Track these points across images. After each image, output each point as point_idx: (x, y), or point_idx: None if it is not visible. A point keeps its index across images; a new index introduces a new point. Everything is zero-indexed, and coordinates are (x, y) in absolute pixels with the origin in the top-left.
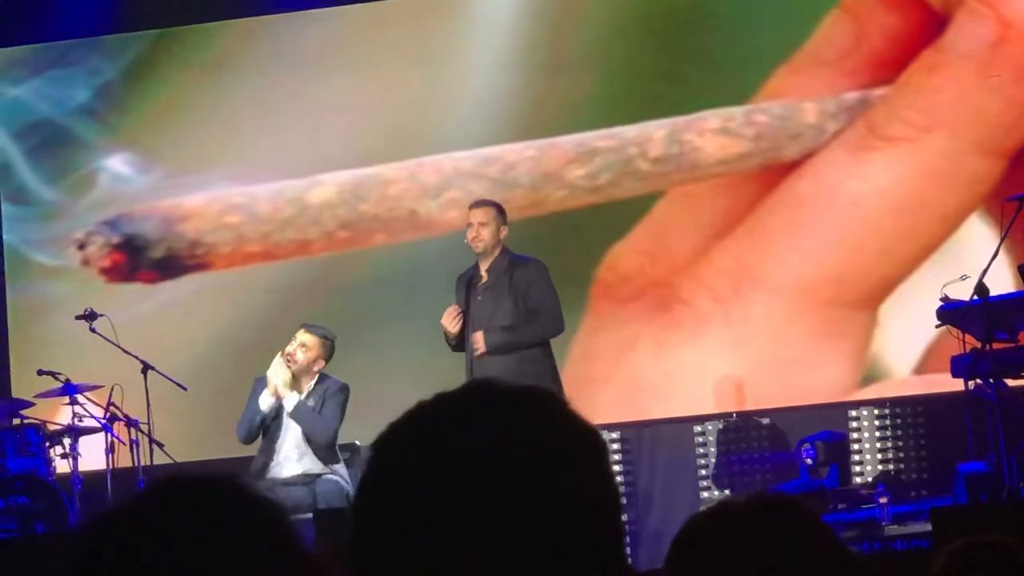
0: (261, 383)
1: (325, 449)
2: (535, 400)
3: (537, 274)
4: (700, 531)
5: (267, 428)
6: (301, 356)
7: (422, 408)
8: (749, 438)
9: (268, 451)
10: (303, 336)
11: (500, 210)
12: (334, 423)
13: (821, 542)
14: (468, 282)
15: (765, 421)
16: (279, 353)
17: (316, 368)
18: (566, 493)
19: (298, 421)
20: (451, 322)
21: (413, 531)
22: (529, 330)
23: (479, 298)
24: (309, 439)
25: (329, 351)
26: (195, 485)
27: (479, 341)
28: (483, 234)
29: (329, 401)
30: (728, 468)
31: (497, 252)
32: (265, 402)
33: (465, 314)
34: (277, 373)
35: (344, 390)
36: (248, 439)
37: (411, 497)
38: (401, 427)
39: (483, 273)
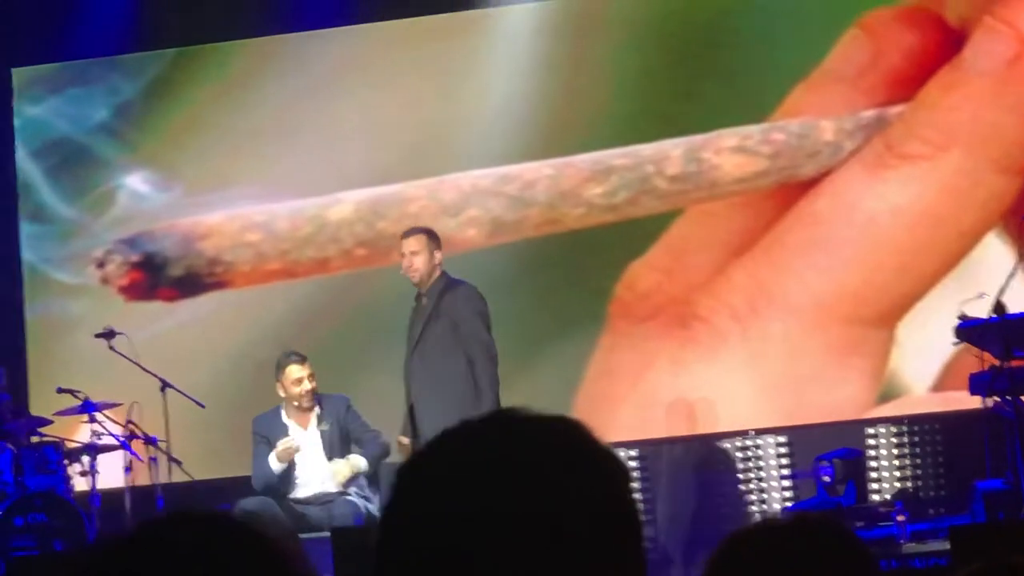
0: (262, 424)
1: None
2: (559, 428)
3: (464, 300)
4: (741, 548)
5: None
6: (313, 384)
7: (446, 436)
8: (767, 455)
9: (286, 477)
10: (304, 369)
11: (431, 236)
12: (378, 435)
13: (860, 563)
14: (412, 310)
15: (782, 438)
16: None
17: (313, 385)
18: (589, 520)
19: (377, 461)
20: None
21: (436, 557)
22: (483, 384)
23: (413, 324)
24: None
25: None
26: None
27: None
28: (415, 263)
29: (354, 423)
30: (745, 485)
31: (434, 277)
32: (276, 466)
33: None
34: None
35: (347, 402)
36: (267, 493)
37: (434, 524)
38: (425, 455)
39: (423, 299)
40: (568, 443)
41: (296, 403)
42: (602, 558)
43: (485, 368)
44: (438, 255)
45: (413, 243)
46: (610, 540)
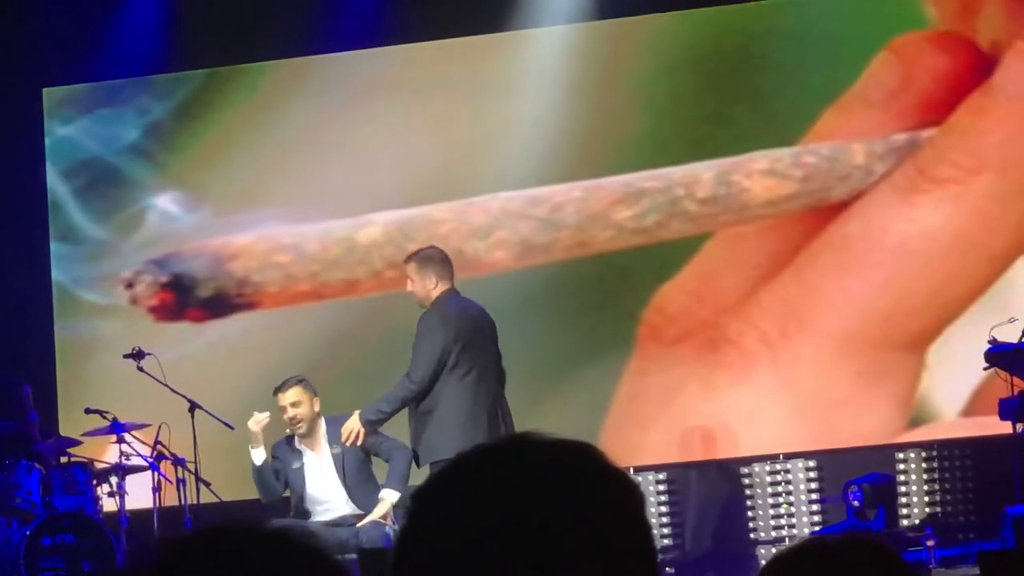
0: (278, 448)
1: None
2: (574, 452)
3: (419, 322)
4: (788, 567)
5: (294, 480)
6: (302, 411)
7: (462, 460)
8: (796, 480)
9: (309, 499)
10: (286, 398)
11: (420, 262)
12: (398, 445)
13: None
14: None
15: (812, 463)
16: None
17: (317, 409)
18: (604, 546)
19: (406, 478)
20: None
21: None
22: (393, 395)
23: None
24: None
25: (311, 388)
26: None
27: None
28: (414, 289)
29: (370, 438)
30: (775, 510)
31: (432, 299)
32: (255, 455)
33: None
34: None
35: None
36: (270, 498)
37: (449, 547)
38: (442, 478)
39: None
40: (583, 468)
41: (289, 431)
42: None
43: (402, 384)
44: (431, 281)
45: (407, 270)
46: (625, 565)
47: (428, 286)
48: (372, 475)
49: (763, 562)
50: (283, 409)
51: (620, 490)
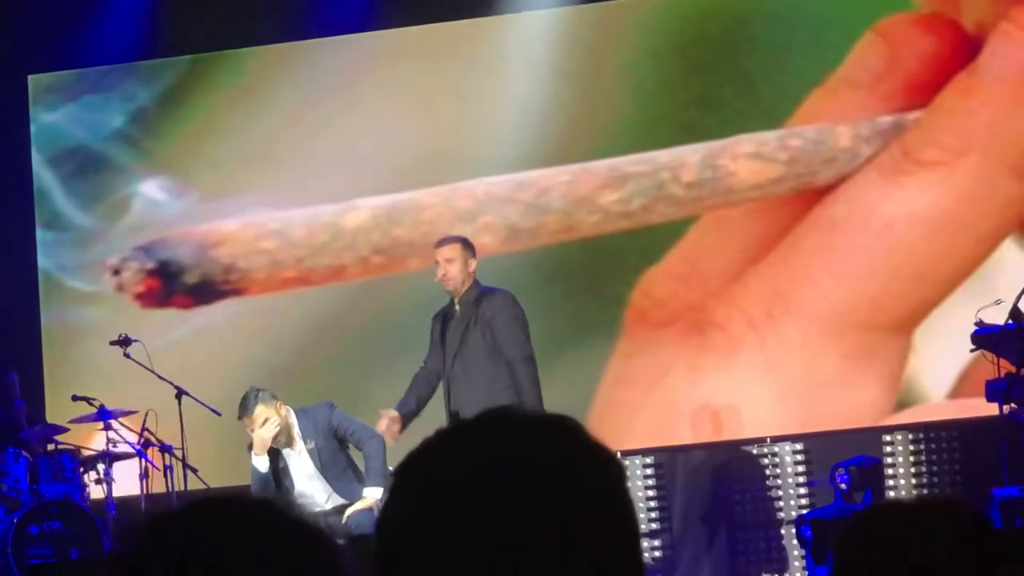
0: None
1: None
2: (553, 427)
3: (501, 305)
4: (868, 528)
5: (283, 480)
6: (275, 427)
7: (440, 435)
8: (783, 463)
9: (297, 495)
10: (256, 417)
11: (465, 244)
12: (369, 433)
13: (986, 540)
14: (443, 317)
15: (799, 446)
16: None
17: (283, 414)
18: (585, 520)
19: (385, 469)
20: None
21: (433, 556)
22: (523, 384)
23: (450, 331)
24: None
25: (271, 396)
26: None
27: None
28: (450, 271)
29: (342, 425)
30: (762, 493)
31: (467, 286)
32: (259, 462)
33: (443, 348)
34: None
35: (330, 406)
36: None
37: (430, 523)
38: (423, 455)
39: (456, 307)
40: (562, 442)
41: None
42: (599, 558)
43: (524, 369)
44: (472, 263)
45: (448, 251)
46: (607, 540)
47: (469, 270)
48: (351, 462)
49: (751, 545)
50: (253, 429)
51: (600, 463)
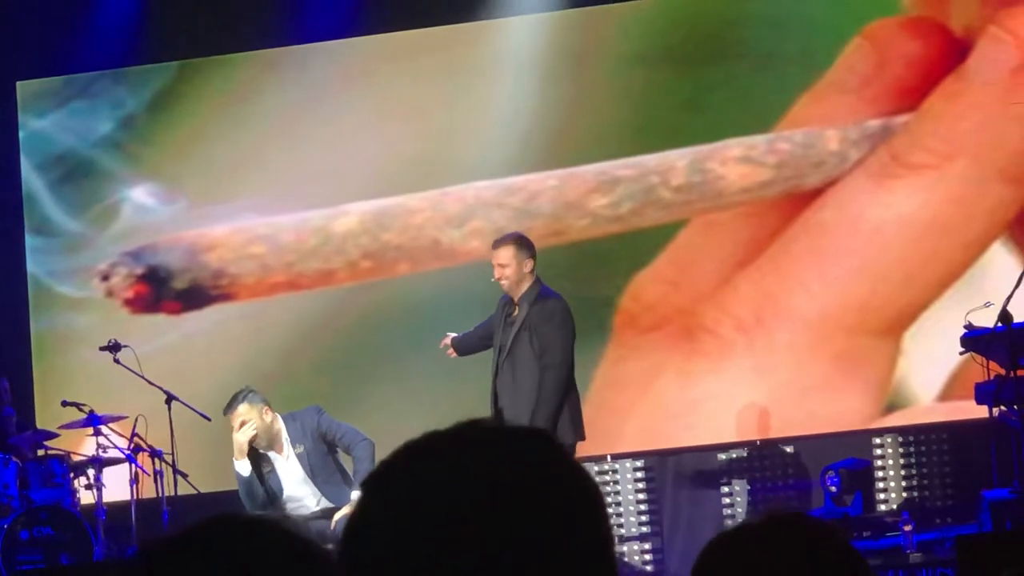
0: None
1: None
2: (525, 441)
3: (551, 312)
4: (717, 553)
5: (271, 484)
6: (252, 430)
7: (410, 447)
8: (773, 466)
9: (286, 499)
10: (235, 418)
11: (520, 244)
12: (359, 437)
13: (836, 557)
14: (504, 307)
15: (789, 449)
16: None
17: (269, 419)
18: (555, 535)
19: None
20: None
21: (398, 569)
22: (547, 388)
23: (506, 327)
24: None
25: (261, 399)
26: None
27: None
28: (506, 273)
29: (331, 430)
30: (752, 496)
31: (526, 285)
32: (241, 466)
33: (497, 338)
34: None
35: (319, 410)
36: (256, 506)
37: (397, 535)
38: (390, 466)
39: (516, 302)
40: (534, 456)
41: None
42: (572, 571)
43: (552, 374)
44: (529, 263)
45: (502, 255)
46: (579, 554)
47: (525, 270)
48: (339, 466)
49: None
50: (234, 428)
51: (573, 479)
